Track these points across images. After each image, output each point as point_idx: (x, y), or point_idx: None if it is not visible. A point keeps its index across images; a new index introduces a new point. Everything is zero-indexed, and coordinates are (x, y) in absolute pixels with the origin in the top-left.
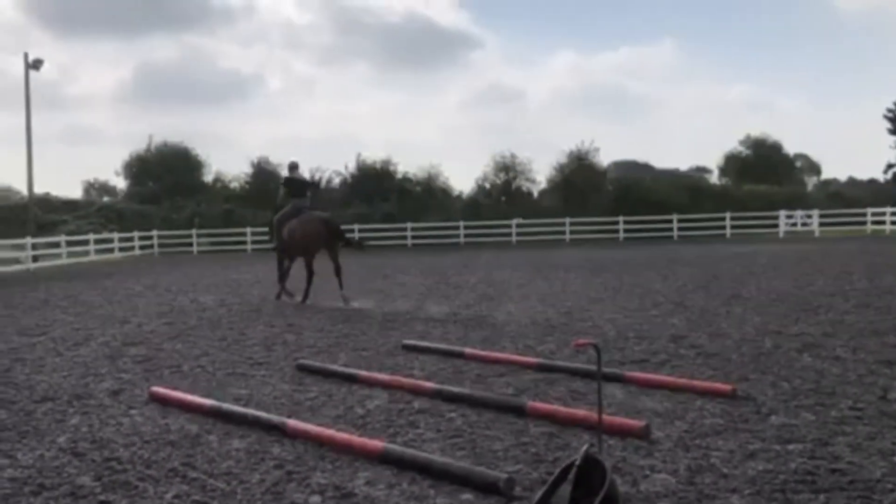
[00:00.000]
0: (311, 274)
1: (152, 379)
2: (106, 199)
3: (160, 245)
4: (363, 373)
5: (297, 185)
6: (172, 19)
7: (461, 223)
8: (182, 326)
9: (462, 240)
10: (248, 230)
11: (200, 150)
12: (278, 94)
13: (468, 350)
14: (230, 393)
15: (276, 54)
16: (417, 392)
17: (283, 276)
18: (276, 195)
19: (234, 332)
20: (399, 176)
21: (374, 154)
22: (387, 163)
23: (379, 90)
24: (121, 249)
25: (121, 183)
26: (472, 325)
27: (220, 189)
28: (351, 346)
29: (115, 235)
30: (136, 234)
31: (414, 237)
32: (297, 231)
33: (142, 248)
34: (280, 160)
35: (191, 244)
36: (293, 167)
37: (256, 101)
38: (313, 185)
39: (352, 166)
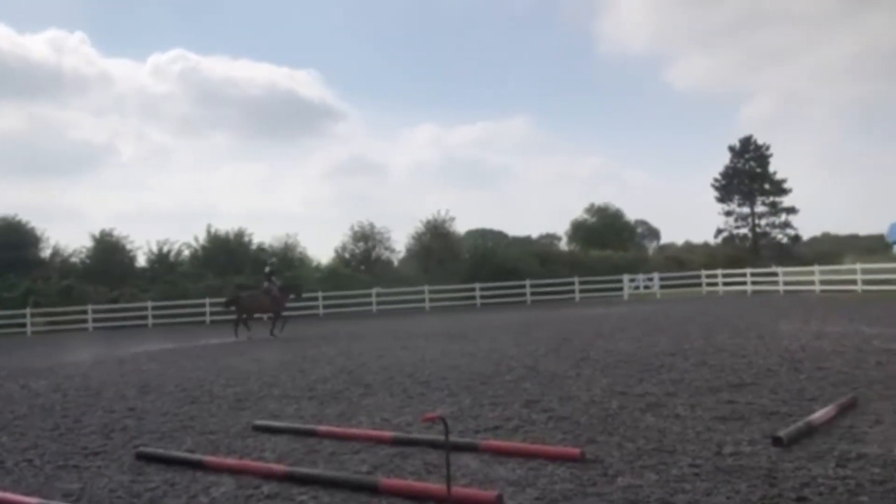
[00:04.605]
0: (243, 322)
1: None
2: None
3: None
4: (209, 458)
5: (265, 274)
6: (19, 89)
7: (320, 294)
8: (9, 416)
9: (321, 311)
10: (90, 307)
11: (43, 223)
12: (131, 165)
13: (322, 427)
14: (59, 488)
15: (131, 124)
16: (267, 476)
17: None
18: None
19: (69, 420)
20: (254, 247)
21: (229, 225)
22: (240, 234)
23: (239, 161)
24: None
25: None
26: (327, 400)
27: (58, 265)
28: (198, 429)
29: None
30: None
31: None
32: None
33: None
34: (128, 233)
35: (24, 324)
36: (270, 265)
37: (108, 173)
38: (271, 273)
39: (202, 238)
